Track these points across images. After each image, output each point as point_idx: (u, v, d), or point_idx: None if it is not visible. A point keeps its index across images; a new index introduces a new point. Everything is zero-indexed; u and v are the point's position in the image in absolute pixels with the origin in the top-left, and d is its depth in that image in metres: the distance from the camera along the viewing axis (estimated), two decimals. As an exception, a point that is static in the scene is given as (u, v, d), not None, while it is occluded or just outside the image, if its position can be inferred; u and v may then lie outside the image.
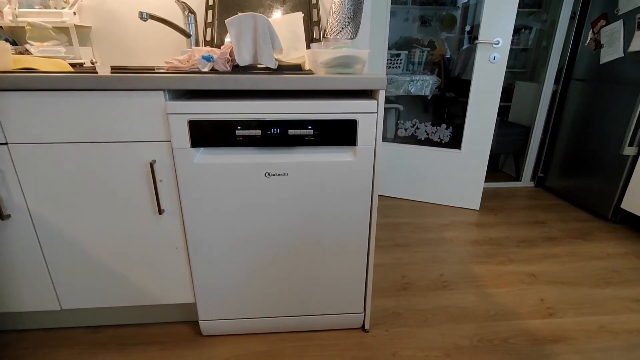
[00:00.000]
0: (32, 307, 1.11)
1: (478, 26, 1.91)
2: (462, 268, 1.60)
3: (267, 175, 0.99)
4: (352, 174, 1.01)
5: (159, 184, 1.00)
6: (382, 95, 0.96)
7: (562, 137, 2.43)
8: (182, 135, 0.94)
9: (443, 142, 2.36)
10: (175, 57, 1.03)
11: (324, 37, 1.34)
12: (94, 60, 1.38)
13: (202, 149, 0.97)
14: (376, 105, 0.96)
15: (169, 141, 0.95)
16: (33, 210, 0.99)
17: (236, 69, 1.00)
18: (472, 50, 2.86)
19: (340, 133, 0.97)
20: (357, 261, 1.12)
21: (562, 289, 1.46)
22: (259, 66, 1.01)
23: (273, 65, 0.97)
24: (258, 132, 0.95)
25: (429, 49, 3.23)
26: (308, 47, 1.26)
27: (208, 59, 0.95)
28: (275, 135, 0.96)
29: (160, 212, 1.01)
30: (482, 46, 1.98)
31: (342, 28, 1.31)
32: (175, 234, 1.06)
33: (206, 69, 0.96)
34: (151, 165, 0.96)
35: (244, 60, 0.96)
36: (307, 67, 1.14)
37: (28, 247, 1.03)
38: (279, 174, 0.99)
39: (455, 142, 2.26)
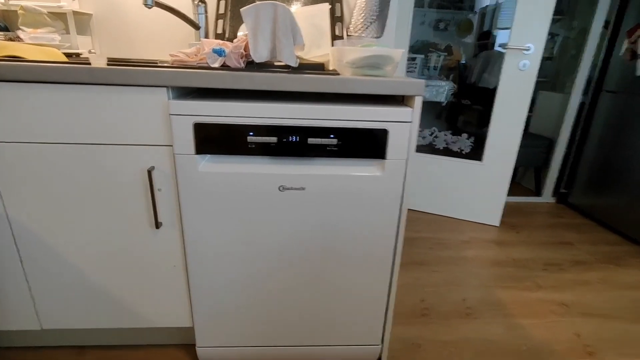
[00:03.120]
0: (7, 325, 0.98)
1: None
2: (485, 293, 1.46)
3: (281, 189, 0.86)
4: (378, 191, 0.88)
5: (157, 193, 0.87)
6: (418, 102, 0.83)
7: (589, 151, 2.28)
8: (186, 140, 0.81)
9: (463, 152, 2.22)
10: (182, 50, 0.90)
11: (347, 34, 1.21)
12: (92, 50, 1.26)
13: (208, 156, 0.84)
14: (411, 114, 0.83)
15: (171, 146, 0.83)
16: (13, 218, 0.87)
17: (251, 65, 0.87)
18: (490, 57, 2.73)
19: (368, 144, 0.84)
20: (377, 289, 0.98)
21: (598, 322, 1.31)
22: (276, 64, 0.89)
23: (294, 63, 0.84)
24: (273, 139, 0.82)
25: (445, 53, 3.10)
26: (332, 43, 1.13)
27: (219, 52, 0.82)
28: (292, 144, 0.83)
29: (158, 225, 0.89)
30: (511, 52, 1.84)
31: (368, 25, 1.18)
32: (173, 250, 0.93)
33: (216, 65, 0.84)
34: (149, 172, 0.83)
35: (260, 56, 0.83)
36: (330, 66, 1.01)
37: (6, 259, 0.90)
38: (295, 188, 0.86)
39: (476, 152, 2.12)
